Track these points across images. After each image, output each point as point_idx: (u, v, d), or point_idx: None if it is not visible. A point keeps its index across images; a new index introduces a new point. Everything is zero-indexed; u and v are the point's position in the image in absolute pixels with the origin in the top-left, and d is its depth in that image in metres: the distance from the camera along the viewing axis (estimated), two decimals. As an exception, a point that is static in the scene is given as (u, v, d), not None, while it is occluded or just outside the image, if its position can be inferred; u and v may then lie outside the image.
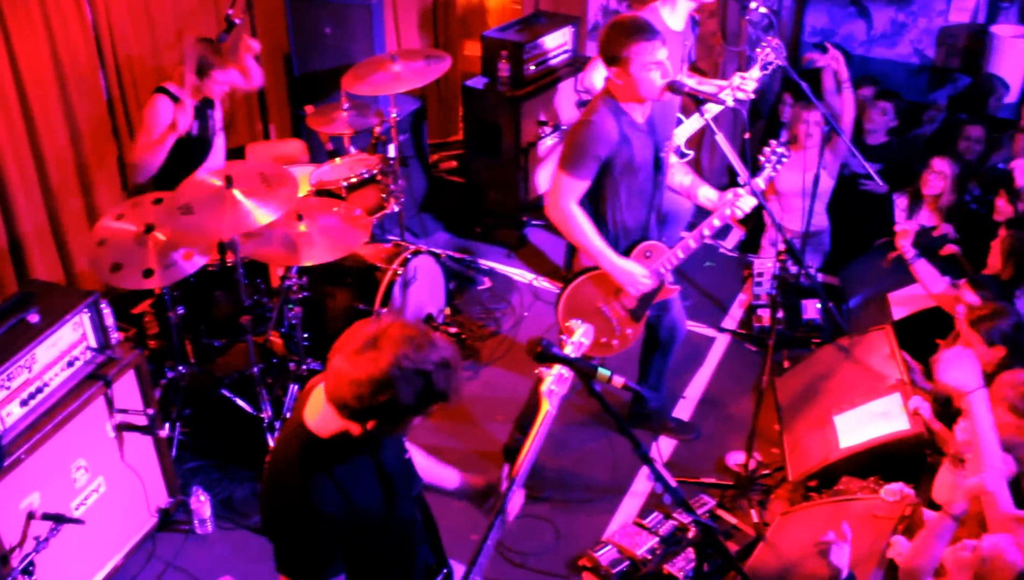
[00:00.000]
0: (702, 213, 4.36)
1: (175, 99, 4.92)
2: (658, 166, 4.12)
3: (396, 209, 5.44)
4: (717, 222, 4.11)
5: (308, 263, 4.48)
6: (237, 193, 4.17)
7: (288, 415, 2.77)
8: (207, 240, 4.41)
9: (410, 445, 2.80)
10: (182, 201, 4.16)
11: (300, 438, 2.49)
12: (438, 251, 5.49)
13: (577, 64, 6.71)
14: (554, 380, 2.72)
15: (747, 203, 4.08)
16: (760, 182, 4.08)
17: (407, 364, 2.32)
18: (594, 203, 4.11)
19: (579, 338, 2.82)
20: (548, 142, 6.65)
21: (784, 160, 4.12)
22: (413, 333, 2.37)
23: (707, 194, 4.27)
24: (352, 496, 2.47)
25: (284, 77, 6.63)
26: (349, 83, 5.52)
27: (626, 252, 4.17)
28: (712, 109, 5.01)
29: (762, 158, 4.13)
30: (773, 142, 4.16)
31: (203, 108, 5.05)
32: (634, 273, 4.11)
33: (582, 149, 3.92)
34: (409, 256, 5.09)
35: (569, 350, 2.78)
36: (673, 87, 3.90)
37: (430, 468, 2.93)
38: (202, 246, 4.38)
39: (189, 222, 4.08)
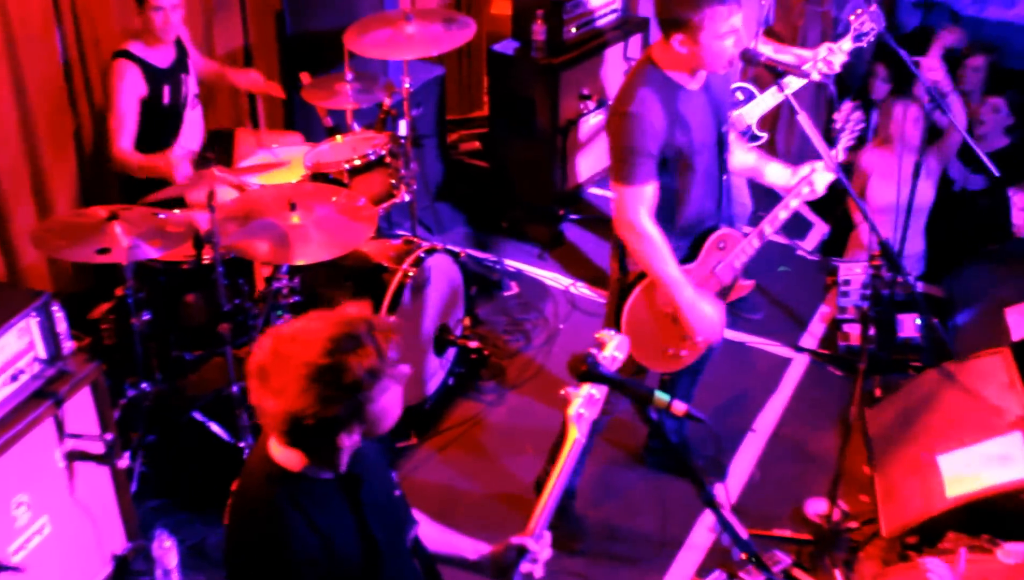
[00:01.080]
0: (766, 209, 4.36)
1: (143, 64, 4.94)
2: (722, 143, 4.13)
3: (407, 198, 5.44)
4: (794, 203, 4.15)
5: (301, 261, 4.48)
6: (217, 172, 4.31)
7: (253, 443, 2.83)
8: (177, 197, 4.54)
9: (415, 512, 2.83)
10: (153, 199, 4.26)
11: (266, 472, 2.54)
12: (456, 249, 5.48)
13: (628, 26, 6.68)
14: (583, 402, 2.73)
15: (824, 179, 4.13)
16: (839, 152, 4.13)
17: (322, 363, 2.40)
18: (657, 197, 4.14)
19: (612, 352, 2.81)
20: (592, 121, 6.65)
21: (861, 126, 4.16)
22: (338, 325, 2.46)
23: (777, 173, 4.30)
24: (332, 540, 2.50)
25: (274, 36, 6.63)
26: (352, 40, 5.53)
27: (695, 246, 4.18)
28: (793, 84, 5.00)
29: (836, 123, 4.17)
30: (848, 104, 4.19)
31: (176, 69, 5.06)
32: (712, 320, 4.13)
33: (630, 151, 3.92)
34: (422, 255, 5.09)
35: (608, 357, 2.78)
36: (748, 57, 3.89)
37: (439, 537, 2.92)
38: (169, 234, 4.42)
39: (159, 198, 4.36)
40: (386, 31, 5.56)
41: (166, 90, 5.15)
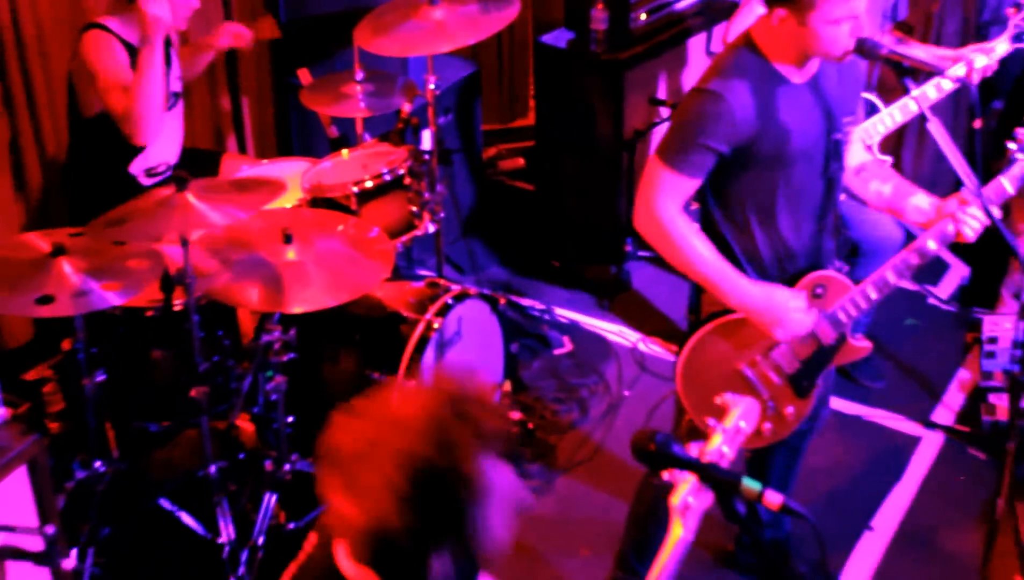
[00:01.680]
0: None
1: (123, 42, 5.00)
2: (832, 154, 4.10)
3: (432, 229, 5.46)
4: (932, 245, 4.09)
5: (298, 309, 4.50)
6: (191, 197, 4.29)
7: (305, 554, 2.75)
8: (140, 242, 4.50)
9: None
10: (116, 216, 4.30)
11: None
12: (494, 295, 5.46)
13: (712, 11, 6.67)
14: (691, 490, 2.70)
15: (977, 219, 4.06)
16: (1007, 185, 4.07)
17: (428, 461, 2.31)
18: (723, 214, 4.12)
19: (735, 421, 2.81)
20: None
21: None
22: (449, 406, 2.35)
23: (919, 205, 4.24)
24: None
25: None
26: (364, 37, 5.55)
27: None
28: (929, 94, 5.03)
29: (1013, 146, 4.13)
30: None
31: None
32: (783, 303, 4.06)
33: (691, 131, 3.93)
34: (450, 301, 5.09)
35: (717, 443, 2.77)
36: (864, 48, 3.86)
37: None
38: (131, 276, 4.41)
39: (120, 230, 4.28)
40: (408, 23, 5.59)
41: None
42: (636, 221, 4.06)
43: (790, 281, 4.12)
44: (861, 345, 4.27)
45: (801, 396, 4.23)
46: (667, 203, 3.97)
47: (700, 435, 4.10)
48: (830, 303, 4.14)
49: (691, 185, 3.98)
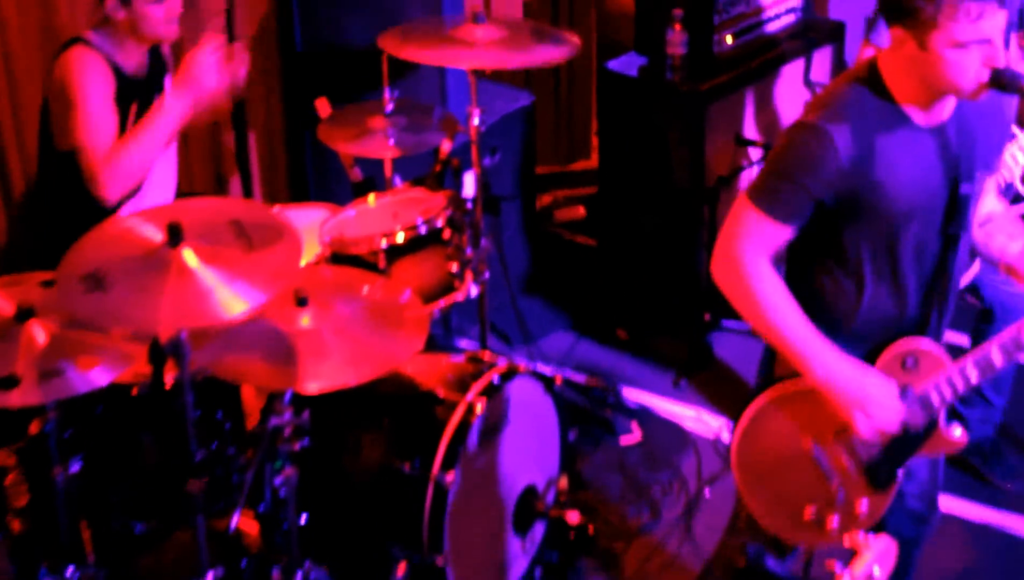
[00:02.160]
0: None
1: (110, 62, 5.04)
2: (955, 211, 4.10)
3: (475, 292, 5.47)
4: None
5: (313, 387, 4.48)
6: (189, 256, 4.18)
7: None
8: (127, 331, 4.45)
9: None
10: (89, 268, 4.17)
11: None
12: (548, 372, 5.45)
13: (811, 34, 6.68)
14: None
15: None
16: None
17: None
18: (814, 268, 4.16)
19: (868, 567, 2.75)
20: None
21: None
22: None
23: None
24: None
25: (276, 53, 6.72)
26: (392, 43, 5.59)
27: (870, 358, 4.14)
28: None
29: None
30: None
31: (150, 83, 5.15)
32: (876, 392, 4.06)
33: (788, 169, 3.97)
34: (496, 380, 5.09)
35: None
36: (1004, 81, 3.84)
37: None
38: (116, 349, 4.42)
39: (99, 303, 4.06)
40: (443, 36, 5.64)
41: (134, 110, 5.22)
42: (714, 267, 4.09)
43: (881, 347, 4.14)
44: (955, 438, 4.24)
45: (878, 488, 4.22)
46: (752, 249, 4.00)
47: (760, 533, 4.12)
48: (921, 379, 4.14)
49: (782, 232, 4.01)
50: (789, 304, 4.03)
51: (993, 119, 4.16)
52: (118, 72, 5.17)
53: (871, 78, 3.99)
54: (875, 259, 4.08)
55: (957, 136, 4.05)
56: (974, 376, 4.10)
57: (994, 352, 4.07)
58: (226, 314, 4.08)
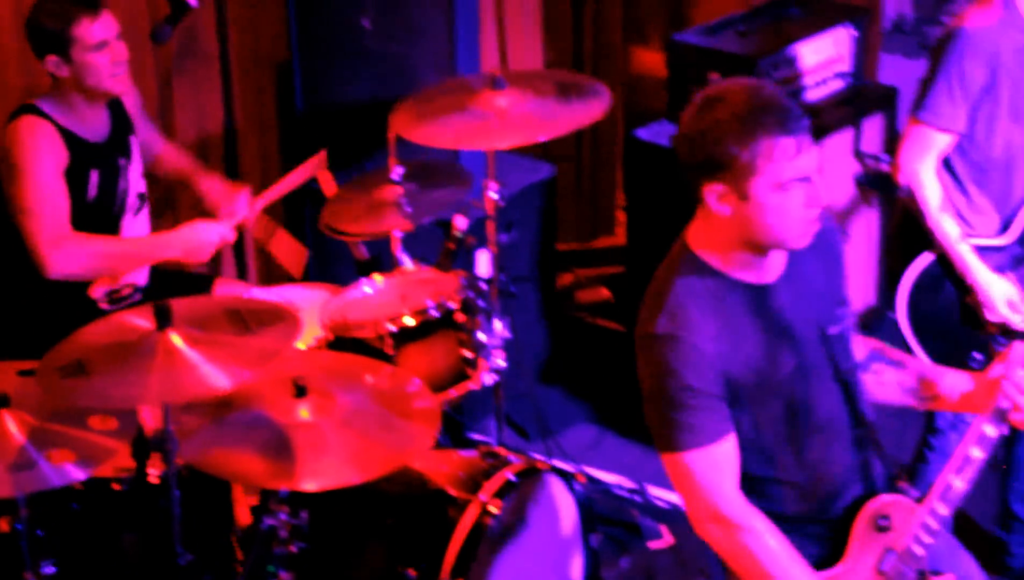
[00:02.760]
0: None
1: (62, 131, 5.02)
2: (836, 354, 4.20)
3: (490, 382, 5.43)
4: (990, 431, 4.09)
5: (312, 486, 4.45)
6: (176, 339, 4.20)
7: None
8: (110, 421, 4.44)
9: None
10: (71, 357, 4.23)
11: None
12: (570, 469, 5.42)
13: (864, 98, 6.68)
14: None
15: None
16: None
17: None
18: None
19: None
20: None
21: None
22: None
23: (955, 384, 4.33)
24: None
25: (274, 113, 6.70)
26: (403, 123, 5.59)
27: (835, 537, 4.18)
28: None
29: None
30: None
31: (111, 148, 5.13)
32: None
33: (670, 397, 4.02)
34: (512, 478, 5.06)
35: None
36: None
37: None
38: (95, 442, 4.39)
39: (79, 387, 4.14)
40: (461, 107, 5.62)
41: (93, 178, 5.22)
42: (710, 538, 4.09)
43: (844, 521, 4.17)
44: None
45: None
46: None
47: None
48: (900, 535, 4.15)
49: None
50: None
51: (826, 247, 4.24)
52: (73, 140, 5.18)
53: (688, 261, 4.08)
54: (775, 438, 4.12)
55: (801, 278, 4.15)
56: (943, 509, 4.13)
57: (952, 479, 4.10)
58: (213, 386, 4.16)
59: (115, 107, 5.44)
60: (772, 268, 4.07)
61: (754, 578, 4.01)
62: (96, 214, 5.27)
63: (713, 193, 3.93)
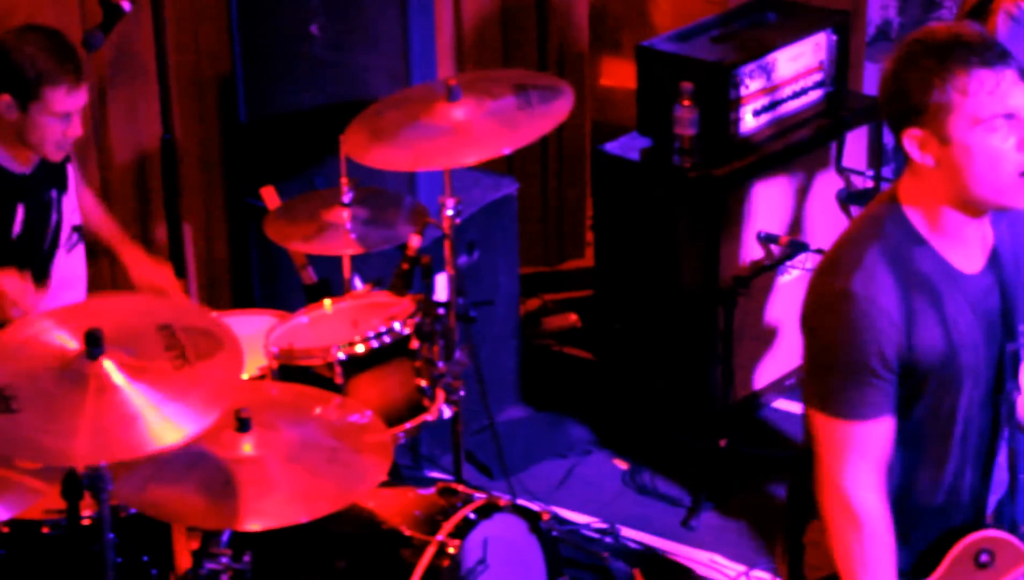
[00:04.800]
0: None
1: None
2: (1005, 368, 4.10)
3: (448, 414, 5.46)
4: None
5: (255, 526, 4.47)
6: (112, 370, 4.15)
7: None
8: (39, 463, 4.44)
9: None
10: None
11: None
12: (534, 508, 5.43)
13: (849, 110, 6.71)
14: None
15: None
16: None
17: None
18: None
19: None
20: (782, 281, 6.71)
21: None
22: None
23: None
24: None
25: (216, 125, 6.72)
26: (356, 145, 5.60)
27: (929, 558, 4.12)
28: None
29: None
30: None
31: (40, 179, 5.13)
32: None
33: (847, 360, 3.94)
34: (472, 516, 5.06)
35: None
36: None
37: None
38: (20, 481, 4.41)
39: (6, 429, 4.04)
40: (414, 119, 5.64)
41: (19, 213, 5.20)
42: (820, 497, 4.06)
43: (938, 546, 4.12)
44: None
45: None
46: (849, 469, 3.97)
47: None
48: (1001, 574, 4.13)
49: (874, 431, 3.96)
50: (887, 556, 4.00)
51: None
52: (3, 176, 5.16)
53: (894, 219, 3.98)
54: (915, 440, 4.07)
55: (999, 288, 4.07)
56: None
57: None
58: (156, 444, 4.05)
59: None
60: (976, 257, 4.00)
61: (840, 567, 4.01)
62: (22, 251, 5.27)
63: (913, 141, 3.85)
